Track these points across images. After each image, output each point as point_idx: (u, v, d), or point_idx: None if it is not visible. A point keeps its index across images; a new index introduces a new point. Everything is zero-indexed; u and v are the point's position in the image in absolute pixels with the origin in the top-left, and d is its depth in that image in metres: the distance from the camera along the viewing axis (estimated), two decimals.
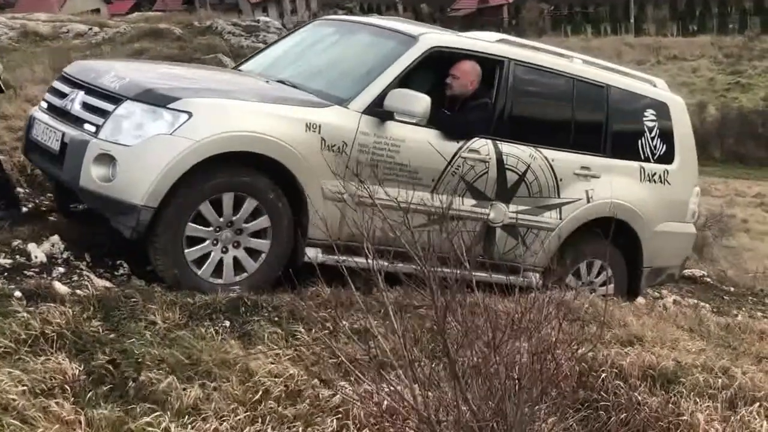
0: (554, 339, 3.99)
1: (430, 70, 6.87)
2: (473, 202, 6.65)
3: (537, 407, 3.87)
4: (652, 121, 7.79)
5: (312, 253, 6.04)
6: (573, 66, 7.44)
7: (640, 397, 4.82)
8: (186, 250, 5.67)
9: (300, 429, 4.13)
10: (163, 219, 5.55)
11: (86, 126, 5.69)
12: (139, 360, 4.41)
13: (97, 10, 58.29)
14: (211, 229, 5.72)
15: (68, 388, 4.06)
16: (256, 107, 5.85)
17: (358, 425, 4.14)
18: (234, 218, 5.78)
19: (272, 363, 4.61)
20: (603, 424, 4.72)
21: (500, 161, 6.74)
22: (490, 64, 6.89)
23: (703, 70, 49.44)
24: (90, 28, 19.51)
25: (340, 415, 4.23)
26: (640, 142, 7.72)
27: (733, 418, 4.70)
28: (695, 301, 9.43)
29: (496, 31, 8.55)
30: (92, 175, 5.48)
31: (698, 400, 4.81)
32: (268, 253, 5.92)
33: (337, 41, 7.33)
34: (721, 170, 37.63)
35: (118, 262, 6.09)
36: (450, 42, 6.86)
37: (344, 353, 4.56)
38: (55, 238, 5.98)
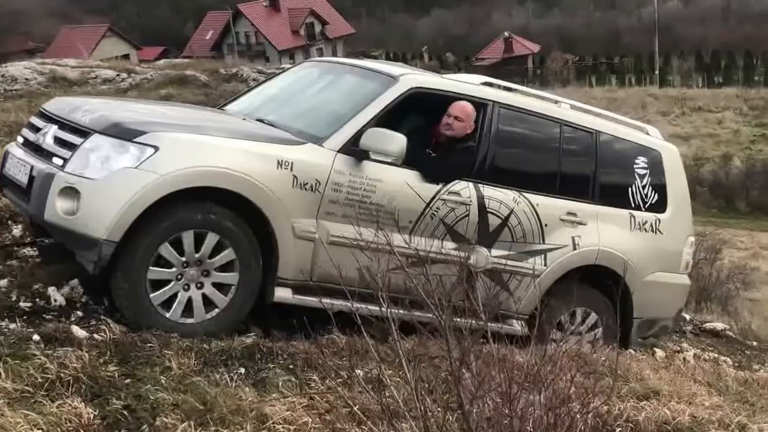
0: (569, 392, 3.98)
1: (413, 112, 6.86)
2: (453, 245, 6.51)
3: None
4: (643, 168, 7.70)
5: (282, 293, 5.96)
6: (560, 111, 7.36)
7: None
8: (151, 294, 5.52)
9: None
10: (124, 256, 5.41)
11: (54, 159, 5.62)
12: (154, 405, 4.43)
13: (127, 56, 59.06)
14: (174, 270, 5.58)
15: None
16: (224, 143, 5.75)
17: None
18: (203, 258, 5.65)
19: (287, 410, 4.62)
20: None
21: (482, 204, 6.65)
22: (474, 107, 6.79)
23: (728, 121, 49.30)
24: (118, 74, 19.80)
25: None
26: (630, 189, 7.61)
27: None
28: (716, 355, 9.34)
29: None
30: (57, 208, 5.37)
31: None
32: (229, 301, 5.78)
33: (321, 82, 7.28)
34: (746, 222, 37.38)
35: None
36: (432, 83, 6.81)
37: (358, 402, 4.57)
38: (75, 281, 6.03)
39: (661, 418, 5.22)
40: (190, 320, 5.66)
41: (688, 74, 67.49)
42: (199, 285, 5.69)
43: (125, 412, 4.32)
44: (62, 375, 4.47)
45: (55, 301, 5.80)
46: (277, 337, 5.75)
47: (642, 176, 7.69)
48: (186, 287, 5.66)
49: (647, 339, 8.63)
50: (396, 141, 6.16)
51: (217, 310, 5.76)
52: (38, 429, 3.99)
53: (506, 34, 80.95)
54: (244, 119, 6.65)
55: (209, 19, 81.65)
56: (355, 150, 6.16)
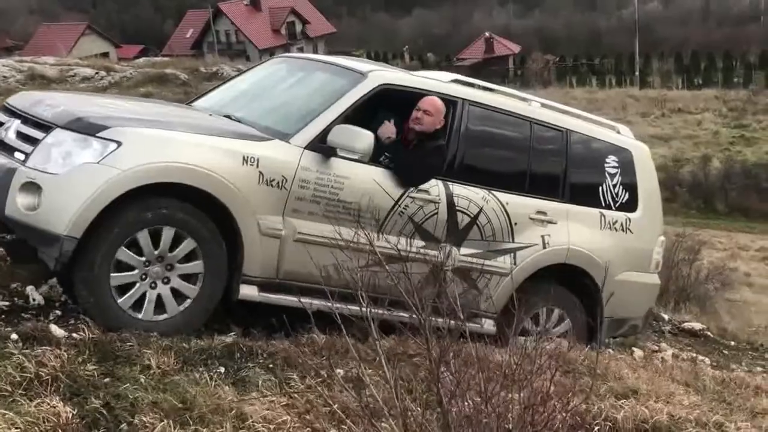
0: (548, 390, 4.00)
1: (383, 109, 6.78)
2: (422, 243, 6.45)
3: None
4: (614, 167, 7.69)
5: (248, 291, 5.93)
6: (530, 109, 7.34)
7: None
8: (118, 300, 5.48)
9: None
10: (87, 252, 5.35)
11: (16, 154, 5.55)
12: (133, 404, 4.41)
13: (106, 54, 58.77)
14: (137, 271, 5.53)
15: (61, 431, 4.07)
16: (188, 138, 5.70)
17: None
18: (164, 253, 5.59)
19: (266, 409, 4.62)
20: None
21: (451, 203, 6.62)
22: (444, 103, 6.76)
23: (707, 123, 49.50)
24: (97, 72, 19.73)
25: None
26: (601, 188, 7.60)
27: None
28: (694, 354, 9.40)
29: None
30: (18, 203, 5.31)
31: None
32: (199, 290, 5.74)
33: (290, 78, 7.25)
34: (725, 223, 37.56)
35: None
36: (401, 80, 6.77)
37: (338, 401, 4.57)
38: (54, 280, 6.00)
39: (640, 416, 5.25)
40: (163, 316, 5.64)
41: (668, 75, 67.77)
42: (165, 280, 5.65)
43: (104, 411, 4.31)
44: (41, 374, 4.45)
45: (34, 300, 5.78)
46: (256, 337, 5.75)
47: (613, 175, 7.67)
48: (153, 285, 5.61)
49: (625, 338, 8.68)
50: (363, 138, 6.13)
51: (189, 301, 5.72)
52: (16, 428, 3.97)
53: (487, 34, 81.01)
54: (210, 115, 6.59)
55: (189, 18, 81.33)
56: (322, 147, 6.12)
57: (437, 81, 6.98)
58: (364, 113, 6.52)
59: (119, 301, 5.48)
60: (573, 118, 7.71)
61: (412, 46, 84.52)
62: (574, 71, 72.72)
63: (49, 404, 4.20)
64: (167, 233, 5.57)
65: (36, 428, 4.03)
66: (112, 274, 5.44)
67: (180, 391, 4.62)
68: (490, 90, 7.36)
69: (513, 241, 6.96)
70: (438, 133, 6.70)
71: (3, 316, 5.46)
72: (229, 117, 6.53)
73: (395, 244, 5.43)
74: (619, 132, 8.03)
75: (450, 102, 6.79)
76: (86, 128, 5.48)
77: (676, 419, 5.30)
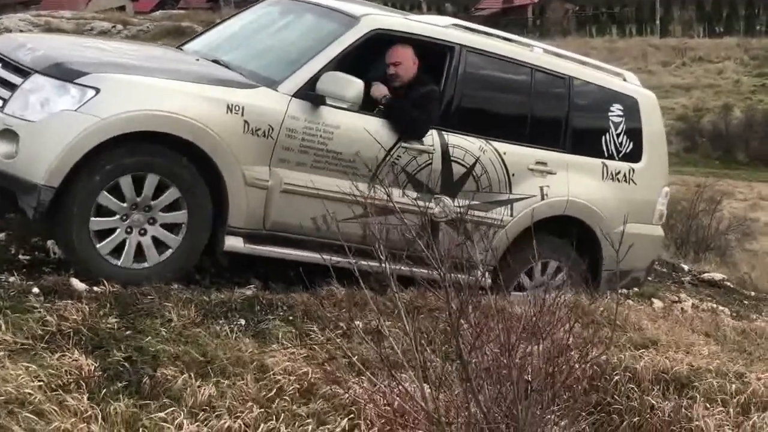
0: (567, 342, 4.00)
1: (378, 56, 6.54)
2: (415, 195, 6.19)
3: (549, 410, 3.88)
4: (618, 116, 7.38)
5: (233, 242, 5.78)
6: (531, 55, 7.06)
7: (652, 401, 4.83)
8: (97, 245, 5.37)
9: (312, 427, 4.17)
10: (66, 199, 5.24)
11: None
12: (155, 357, 4.46)
13: (123, 8, 58.43)
14: (117, 216, 5.41)
15: (84, 383, 4.12)
16: (171, 85, 5.55)
17: (370, 425, 4.16)
18: (146, 201, 5.47)
19: (287, 361, 4.65)
20: (615, 428, 4.74)
21: (446, 153, 6.41)
22: (439, 50, 6.53)
23: (728, 72, 48.91)
24: (113, 26, 19.69)
25: (352, 415, 4.26)
26: (604, 138, 7.32)
27: (745, 423, 4.69)
28: (714, 305, 9.37)
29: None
30: None
31: (710, 405, 4.81)
32: (181, 240, 5.60)
33: (281, 21, 6.99)
34: (746, 173, 37.27)
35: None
36: (396, 25, 6.50)
37: (357, 353, 4.60)
38: None
39: (659, 366, 5.24)
40: (143, 264, 5.51)
41: (689, 24, 66.90)
42: (145, 229, 5.52)
43: (126, 364, 4.36)
44: (62, 327, 4.50)
45: (54, 253, 5.80)
46: (276, 290, 5.76)
47: (617, 124, 7.39)
48: (134, 231, 5.49)
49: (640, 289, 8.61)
50: (353, 86, 5.94)
51: (170, 251, 5.60)
52: (39, 381, 4.02)
53: None
54: (198, 60, 6.42)
55: None
56: (311, 95, 5.92)
57: (435, 26, 6.71)
58: (357, 59, 6.30)
59: (98, 245, 5.37)
60: (577, 65, 7.43)
61: None
62: (594, 20, 71.89)
63: (71, 357, 4.25)
64: (151, 180, 5.44)
65: (59, 380, 4.09)
66: (92, 219, 5.34)
67: (201, 344, 4.66)
68: (491, 36, 7.09)
69: (510, 193, 6.73)
70: (422, 76, 6.47)
71: (24, 270, 5.49)
72: (217, 62, 6.34)
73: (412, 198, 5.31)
74: (625, 79, 7.74)
75: (447, 48, 6.55)
76: (64, 74, 5.35)
77: (696, 369, 5.30)
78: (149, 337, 4.62)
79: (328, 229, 5.80)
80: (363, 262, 4.20)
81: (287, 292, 5.66)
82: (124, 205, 5.43)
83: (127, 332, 4.65)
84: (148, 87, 5.49)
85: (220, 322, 5.03)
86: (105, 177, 5.33)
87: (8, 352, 4.20)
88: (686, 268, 11.08)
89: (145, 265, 5.53)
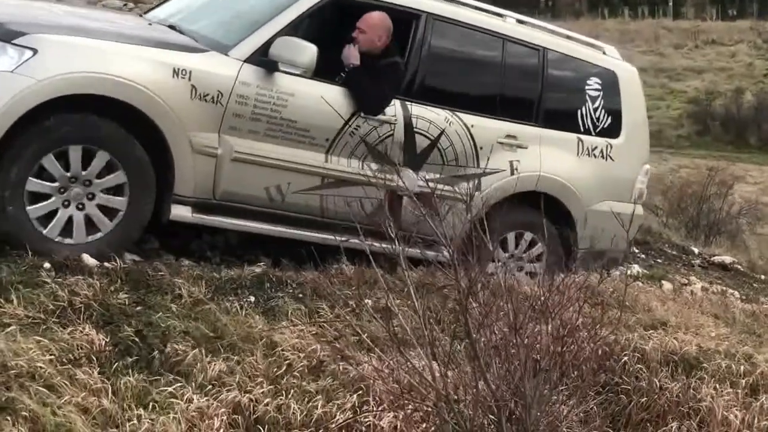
0: (577, 322, 4.01)
1: (339, 23, 6.37)
2: (376, 167, 6.02)
3: (557, 389, 3.89)
4: (596, 90, 7.18)
5: (180, 211, 5.61)
6: (503, 25, 6.87)
7: (661, 382, 4.84)
8: (28, 207, 5.17)
9: (321, 403, 4.19)
10: (2, 166, 5.06)
11: None
12: (165, 332, 4.48)
13: None
14: (56, 184, 5.20)
15: (94, 358, 4.15)
16: (113, 47, 5.35)
17: (378, 402, 4.19)
18: (84, 173, 5.26)
19: (296, 338, 4.67)
20: (623, 408, 4.75)
21: (408, 124, 6.20)
22: (404, 17, 6.33)
23: (741, 55, 48.60)
24: (125, 4, 19.58)
25: (361, 392, 4.28)
26: (580, 112, 7.10)
27: (754, 404, 4.70)
28: (724, 287, 9.36)
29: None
30: None
31: (719, 386, 4.82)
32: (125, 211, 5.41)
33: None
34: (757, 157, 37.14)
35: (147, 236, 6.15)
36: None
37: (367, 331, 4.62)
38: None
39: (668, 347, 5.26)
40: (68, 240, 5.30)
41: (702, 6, 66.52)
42: (82, 204, 5.32)
43: (136, 339, 4.38)
44: (73, 302, 4.51)
45: None
46: (286, 267, 5.77)
47: (594, 98, 7.17)
48: (70, 204, 5.30)
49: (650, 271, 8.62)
50: (305, 51, 5.74)
51: (99, 234, 5.40)
52: (50, 355, 4.04)
53: None
54: (150, 24, 6.28)
55: None
56: (263, 60, 5.73)
57: None
58: (318, 27, 6.17)
59: (29, 208, 5.17)
60: (552, 36, 7.23)
61: None
62: (606, 2, 71.53)
63: (82, 332, 4.27)
64: (101, 157, 5.28)
65: (70, 355, 4.11)
66: (30, 179, 5.13)
67: (211, 320, 4.68)
68: (461, 4, 6.84)
69: (478, 167, 6.49)
70: (389, 50, 6.28)
71: None
72: (173, 27, 6.20)
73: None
74: (604, 53, 7.54)
75: (413, 15, 6.36)
76: (2, 35, 5.17)
77: (704, 350, 5.32)
78: (160, 313, 4.63)
79: (282, 201, 5.73)
80: (368, 243, 4.15)
81: (297, 270, 5.68)
82: (68, 174, 5.24)
83: (138, 308, 4.67)
84: (88, 48, 5.30)
85: (230, 298, 5.04)
86: (50, 143, 5.16)
87: (20, 326, 4.22)
88: (696, 251, 11.07)
89: (69, 241, 5.32)
